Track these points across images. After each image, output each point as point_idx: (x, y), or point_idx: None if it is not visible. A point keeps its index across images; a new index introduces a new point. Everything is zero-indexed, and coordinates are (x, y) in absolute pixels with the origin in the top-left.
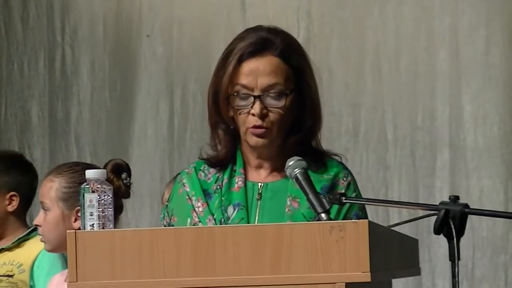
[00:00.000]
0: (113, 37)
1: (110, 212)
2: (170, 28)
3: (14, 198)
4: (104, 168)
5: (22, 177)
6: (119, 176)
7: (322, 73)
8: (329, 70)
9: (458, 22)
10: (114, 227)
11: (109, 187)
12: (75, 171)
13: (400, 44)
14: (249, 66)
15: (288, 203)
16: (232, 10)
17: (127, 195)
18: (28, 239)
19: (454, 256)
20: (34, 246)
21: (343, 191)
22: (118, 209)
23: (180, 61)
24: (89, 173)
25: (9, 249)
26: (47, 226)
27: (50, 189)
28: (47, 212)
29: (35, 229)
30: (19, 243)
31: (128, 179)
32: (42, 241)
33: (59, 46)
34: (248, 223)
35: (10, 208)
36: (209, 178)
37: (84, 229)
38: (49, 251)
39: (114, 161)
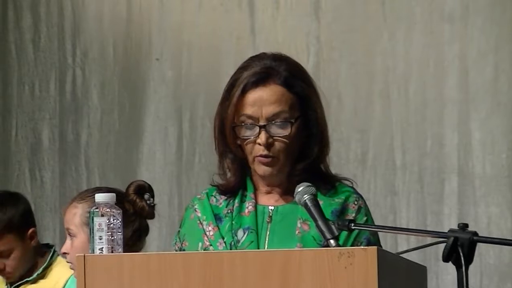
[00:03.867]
0: (123, 60)
1: (119, 236)
2: (180, 52)
3: (33, 233)
4: (127, 190)
5: (27, 209)
6: (141, 197)
7: (331, 98)
8: (338, 95)
9: (467, 49)
10: (140, 250)
11: (119, 211)
12: None
13: (409, 70)
14: (253, 96)
15: (299, 225)
16: (242, 35)
17: (151, 215)
18: (50, 266)
19: (462, 284)
20: (58, 275)
21: (353, 215)
22: (144, 230)
23: (189, 85)
24: (99, 197)
25: (32, 280)
26: (76, 252)
27: (75, 216)
28: (73, 238)
29: (53, 255)
30: (42, 272)
31: (152, 199)
32: (72, 269)
33: (70, 68)
34: (258, 246)
35: (34, 243)
36: (220, 203)
37: (93, 252)
38: None
39: (136, 182)
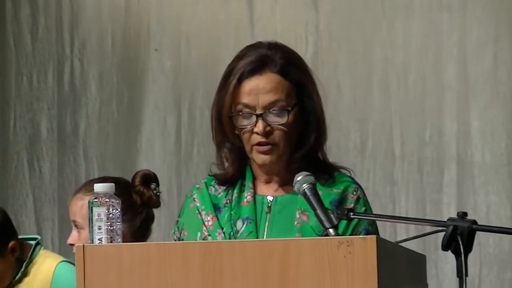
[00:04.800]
0: (121, 50)
1: (118, 226)
2: (178, 43)
3: (14, 246)
4: (133, 180)
5: (4, 222)
6: (148, 187)
7: (330, 88)
8: (337, 85)
9: (466, 39)
10: (147, 237)
11: (118, 201)
12: None
13: (408, 60)
14: (249, 84)
15: (297, 216)
16: (240, 25)
17: (158, 204)
18: (32, 262)
19: (462, 273)
20: (42, 269)
21: (352, 205)
22: (150, 219)
23: (187, 75)
24: (97, 187)
25: (18, 280)
26: (84, 243)
27: (82, 207)
28: (80, 230)
29: (34, 249)
30: (25, 270)
31: (158, 188)
32: None
33: (68, 59)
34: (257, 236)
35: (16, 255)
36: (219, 193)
37: (92, 243)
38: None
39: (142, 172)
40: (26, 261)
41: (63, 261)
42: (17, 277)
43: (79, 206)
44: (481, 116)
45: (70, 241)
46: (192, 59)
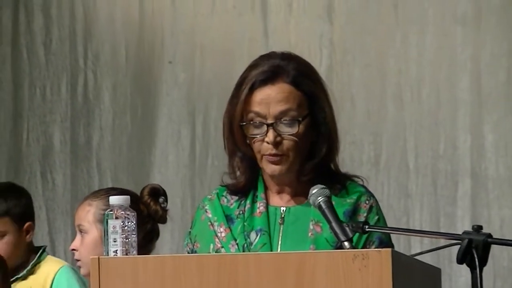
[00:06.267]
0: (135, 63)
1: (133, 238)
2: (192, 55)
3: (29, 228)
4: (141, 192)
5: (29, 204)
6: (156, 200)
7: (344, 101)
8: (351, 98)
9: (480, 52)
10: (150, 252)
11: (133, 214)
12: (112, 195)
13: (422, 73)
14: (261, 94)
15: (311, 227)
16: (254, 37)
17: (164, 220)
18: (39, 262)
19: (477, 286)
20: (47, 270)
21: (365, 214)
22: (155, 234)
23: (202, 87)
24: (113, 200)
25: (22, 277)
26: (86, 249)
27: (88, 213)
28: (84, 235)
29: (43, 251)
30: (31, 268)
31: (165, 203)
32: (79, 266)
33: (82, 71)
34: (271, 248)
35: (29, 238)
36: (231, 204)
37: (108, 255)
38: (85, 275)
39: (151, 185)
40: (34, 261)
41: (66, 265)
42: (22, 274)
43: (86, 210)
44: (495, 130)
45: (72, 246)
46: (206, 72)
